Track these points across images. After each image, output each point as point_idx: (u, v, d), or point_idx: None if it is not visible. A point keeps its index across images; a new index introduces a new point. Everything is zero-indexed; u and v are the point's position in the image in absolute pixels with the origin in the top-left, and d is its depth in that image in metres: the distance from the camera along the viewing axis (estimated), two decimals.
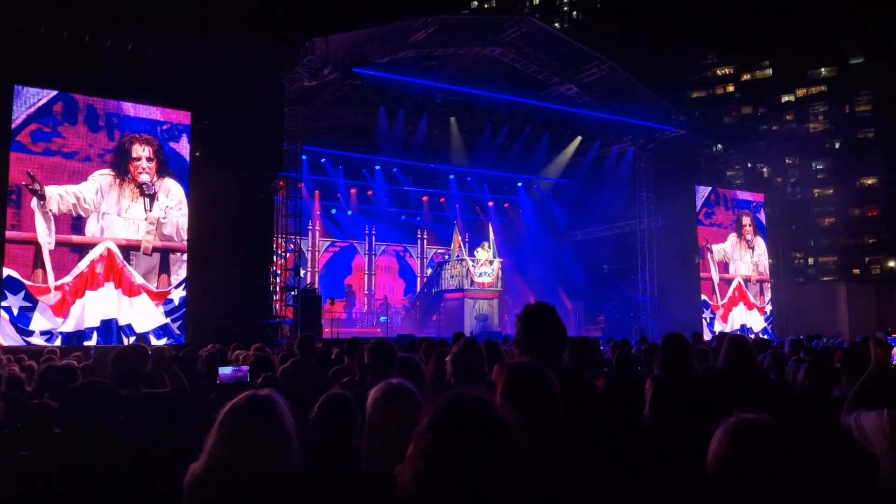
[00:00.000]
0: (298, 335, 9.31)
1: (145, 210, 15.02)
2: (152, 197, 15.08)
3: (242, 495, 1.86)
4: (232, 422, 1.94)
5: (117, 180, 14.79)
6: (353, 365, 5.22)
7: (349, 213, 24.52)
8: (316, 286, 21.08)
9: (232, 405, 1.98)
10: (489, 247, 22.46)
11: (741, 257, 24.20)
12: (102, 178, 14.63)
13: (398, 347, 8.45)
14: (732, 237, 24.02)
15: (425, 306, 23.69)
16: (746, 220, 24.55)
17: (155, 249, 15.05)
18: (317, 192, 23.07)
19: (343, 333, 18.32)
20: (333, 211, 24.36)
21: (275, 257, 17.04)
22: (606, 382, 4.50)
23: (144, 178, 15.02)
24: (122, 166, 14.84)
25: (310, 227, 23.46)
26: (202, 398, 4.29)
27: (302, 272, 18.53)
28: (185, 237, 15.40)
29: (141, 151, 15.02)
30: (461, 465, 1.49)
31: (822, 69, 59.29)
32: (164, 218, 15.17)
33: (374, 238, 25.61)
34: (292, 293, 16.94)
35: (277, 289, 16.84)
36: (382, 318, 22.88)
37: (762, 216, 25.22)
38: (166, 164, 15.31)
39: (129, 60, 15.27)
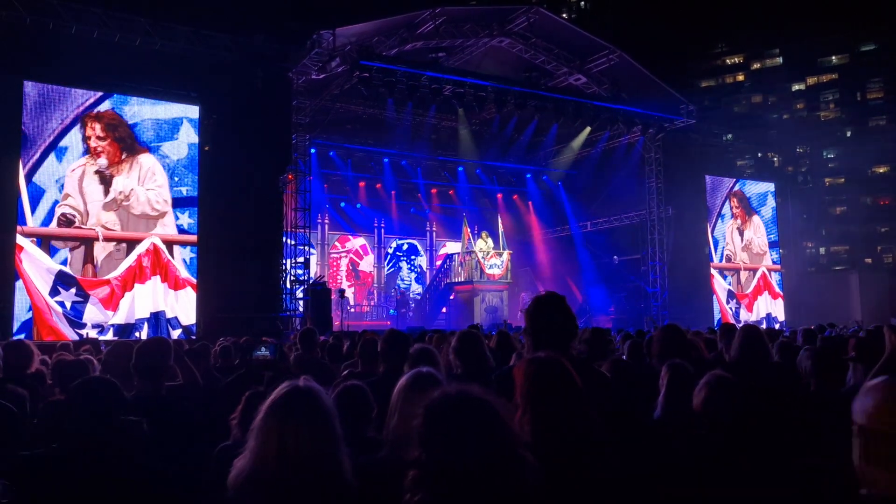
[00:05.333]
0: (301, 328, 9.34)
1: (137, 180, 14.91)
2: (139, 171, 14.96)
3: (294, 490, 1.82)
4: (275, 416, 1.89)
5: (89, 165, 14.56)
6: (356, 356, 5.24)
7: (358, 206, 24.52)
8: (325, 279, 21.13)
9: (273, 399, 1.92)
10: (488, 236, 22.42)
11: (742, 235, 24.15)
12: (79, 169, 14.47)
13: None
14: (727, 216, 23.96)
15: (435, 299, 23.70)
16: (744, 197, 24.46)
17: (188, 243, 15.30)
18: (325, 185, 23.08)
19: (353, 326, 18.35)
20: (342, 204, 24.37)
21: (284, 250, 17.06)
22: (610, 369, 4.48)
23: (126, 153, 14.82)
24: (94, 147, 14.59)
25: (319, 221, 23.47)
26: (214, 390, 4.31)
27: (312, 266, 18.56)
28: (161, 210, 15.23)
29: (90, 130, 14.61)
30: (452, 458, 1.52)
31: (833, 57, 58.69)
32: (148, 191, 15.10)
33: (383, 231, 25.62)
34: (302, 286, 16.98)
35: (287, 282, 16.88)
36: (391, 311, 22.92)
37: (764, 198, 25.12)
38: (129, 139, 15.02)
39: (137, 55, 15.29)
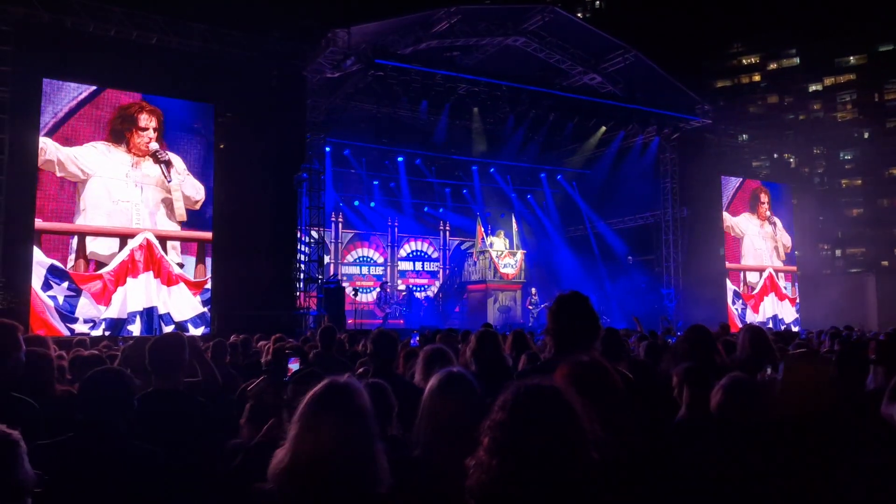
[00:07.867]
0: (321, 326, 9.35)
1: (164, 177, 15.05)
2: (167, 164, 15.10)
3: (328, 485, 1.85)
4: (312, 411, 1.93)
5: (121, 150, 14.65)
6: None
7: (372, 204, 24.52)
8: (339, 277, 21.16)
9: (312, 394, 1.97)
10: (504, 236, 22.37)
11: (761, 236, 23.91)
12: (102, 146, 14.50)
13: (420, 338, 8.46)
14: (746, 215, 23.76)
15: (449, 298, 23.67)
16: (764, 198, 24.20)
17: (185, 239, 15.28)
18: (339, 183, 23.10)
19: (367, 325, 18.37)
20: (356, 203, 24.37)
21: (298, 248, 17.10)
22: (629, 370, 4.46)
23: (154, 146, 14.95)
24: (122, 134, 14.65)
25: (333, 220, 23.49)
26: (233, 387, 4.32)
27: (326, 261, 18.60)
28: (203, 198, 15.46)
29: (148, 122, 14.88)
30: (536, 455, 1.49)
31: (851, 57, 58.14)
32: (182, 183, 15.30)
33: (396, 230, 25.60)
34: (316, 284, 17.02)
35: (301, 280, 16.92)
36: (403, 310, 22.92)
37: (782, 199, 24.89)
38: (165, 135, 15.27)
39: (153, 53, 15.38)
